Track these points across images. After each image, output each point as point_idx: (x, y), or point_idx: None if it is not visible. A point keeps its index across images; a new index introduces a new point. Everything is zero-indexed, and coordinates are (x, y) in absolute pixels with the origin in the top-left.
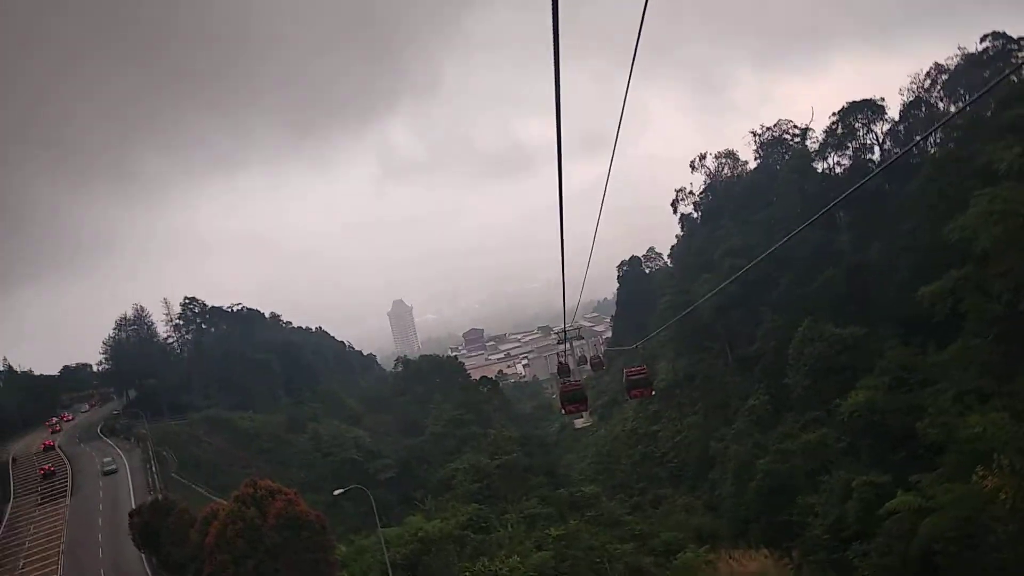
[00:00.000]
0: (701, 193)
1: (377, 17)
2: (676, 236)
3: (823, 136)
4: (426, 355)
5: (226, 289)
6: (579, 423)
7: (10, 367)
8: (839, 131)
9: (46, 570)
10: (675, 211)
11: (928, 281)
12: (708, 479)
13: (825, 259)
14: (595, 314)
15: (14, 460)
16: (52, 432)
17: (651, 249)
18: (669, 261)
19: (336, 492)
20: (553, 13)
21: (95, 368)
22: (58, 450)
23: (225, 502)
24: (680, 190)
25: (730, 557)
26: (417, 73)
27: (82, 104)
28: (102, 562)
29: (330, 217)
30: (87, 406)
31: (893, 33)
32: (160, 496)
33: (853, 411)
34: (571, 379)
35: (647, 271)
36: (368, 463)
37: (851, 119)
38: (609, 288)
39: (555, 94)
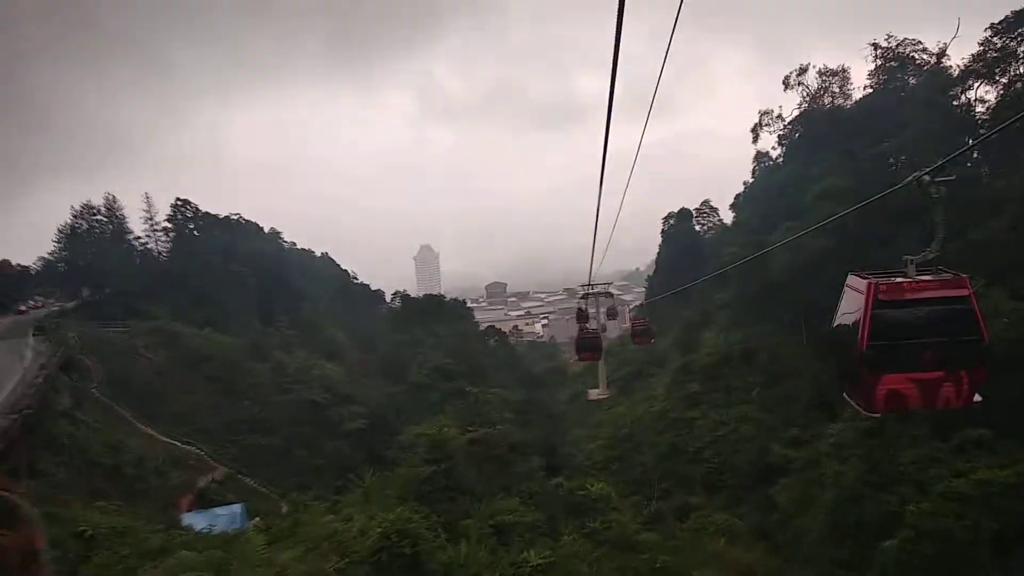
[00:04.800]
0: (792, 120)
1: None
2: (744, 184)
3: (966, 62)
4: (430, 295)
5: (241, 206)
6: (594, 394)
7: None
8: (989, 55)
9: None
10: (755, 139)
11: None
12: (762, 494)
13: (969, 213)
14: (625, 283)
15: None
16: None
17: (706, 202)
18: (730, 218)
19: None
20: None
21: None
22: None
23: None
24: (766, 112)
25: None
26: None
27: None
28: None
29: (365, 151)
30: (38, 302)
31: None
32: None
33: None
34: (589, 327)
35: (699, 228)
36: (334, 408)
37: (1013, 36)
38: (646, 259)
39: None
